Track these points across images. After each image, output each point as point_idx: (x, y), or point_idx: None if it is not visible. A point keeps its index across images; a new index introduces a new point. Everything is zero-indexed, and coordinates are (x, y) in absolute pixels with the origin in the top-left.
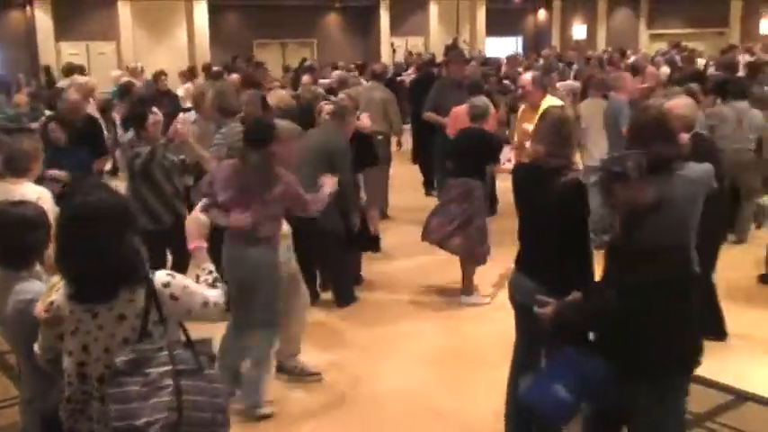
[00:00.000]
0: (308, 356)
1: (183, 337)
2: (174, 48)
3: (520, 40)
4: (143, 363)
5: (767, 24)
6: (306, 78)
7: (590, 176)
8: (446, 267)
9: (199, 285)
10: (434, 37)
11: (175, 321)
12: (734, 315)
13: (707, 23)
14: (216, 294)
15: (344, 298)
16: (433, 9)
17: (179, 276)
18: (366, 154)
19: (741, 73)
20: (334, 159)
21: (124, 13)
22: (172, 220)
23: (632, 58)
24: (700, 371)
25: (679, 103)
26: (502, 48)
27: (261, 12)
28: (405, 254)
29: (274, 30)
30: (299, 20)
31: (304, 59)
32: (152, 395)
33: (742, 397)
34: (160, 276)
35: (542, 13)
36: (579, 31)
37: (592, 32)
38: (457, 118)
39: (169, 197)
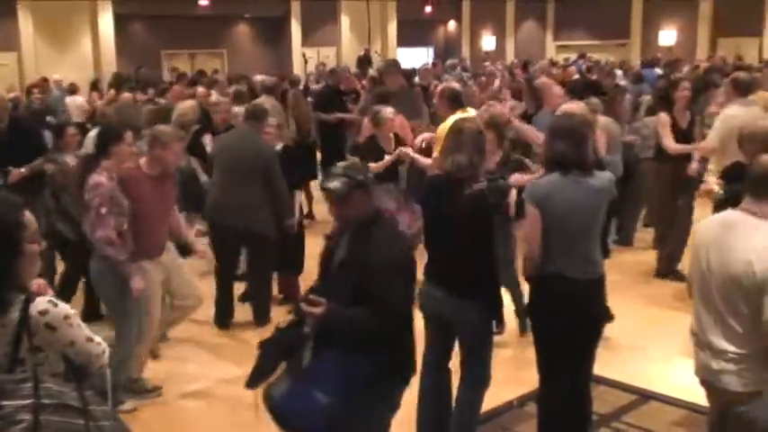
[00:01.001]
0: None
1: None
2: (79, 59)
3: (431, 50)
4: (0, 394)
5: (665, 36)
6: (201, 90)
7: None
8: None
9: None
10: (346, 48)
11: (57, 352)
12: (632, 316)
13: (609, 35)
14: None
15: (259, 316)
16: (345, 20)
17: (63, 306)
18: (310, 165)
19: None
20: (268, 167)
21: (25, 22)
22: None
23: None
24: (604, 372)
25: (575, 108)
26: (413, 58)
27: (169, 22)
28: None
29: (183, 40)
30: (209, 30)
31: (215, 71)
32: (3, 430)
33: (645, 396)
34: (38, 303)
35: (452, 25)
36: (488, 42)
37: (501, 43)
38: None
39: None
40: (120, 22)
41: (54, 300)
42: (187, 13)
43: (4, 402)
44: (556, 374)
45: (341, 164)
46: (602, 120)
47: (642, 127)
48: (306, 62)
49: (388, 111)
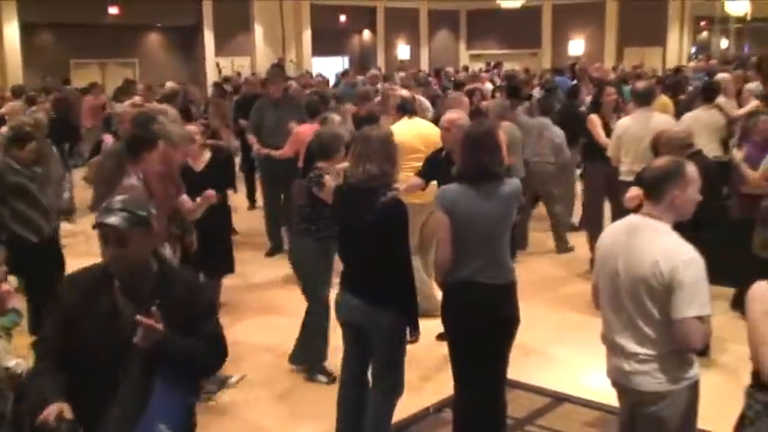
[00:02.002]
0: None
1: None
2: None
3: (346, 59)
4: None
5: (574, 46)
6: (137, 98)
7: None
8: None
9: (2, 342)
10: (260, 57)
11: None
12: (548, 318)
13: (521, 44)
14: (19, 363)
15: None
16: (258, 29)
17: None
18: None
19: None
20: None
21: None
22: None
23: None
24: (519, 376)
25: (455, 116)
26: (329, 67)
27: (78, 31)
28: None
29: (93, 49)
30: (119, 39)
31: (126, 80)
32: None
33: (558, 399)
34: None
35: (367, 34)
36: (403, 51)
37: (415, 52)
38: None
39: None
40: (27, 30)
41: None
42: (97, 21)
43: None
44: (470, 380)
45: (119, 197)
46: (505, 124)
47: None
48: (220, 72)
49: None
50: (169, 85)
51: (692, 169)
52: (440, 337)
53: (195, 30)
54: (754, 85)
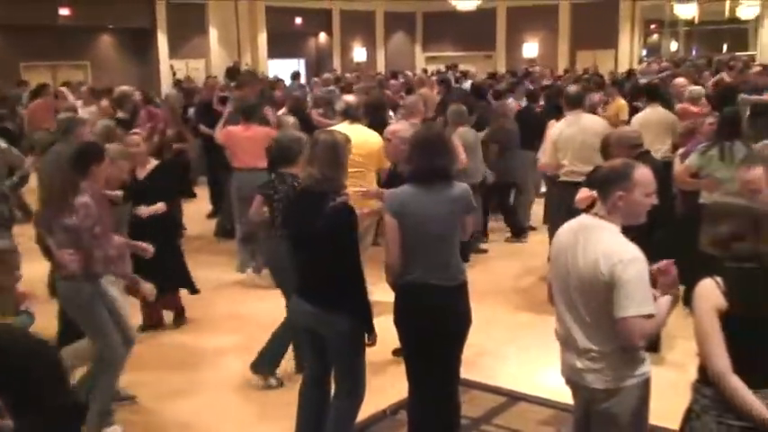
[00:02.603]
0: None
1: None
2: None
3: (302, 62)
4: None
5: (528, 48)
6: (104, 104)
7: None
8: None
9: None
10: (215, 60)
11: None
12: (504, 318)
13: (476, 47)
14: None
15: None
16: (213, 32)
17: None
18: (170, 184)
19: None
20: None
21: None
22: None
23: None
24: (475, 376)
25: (401, 128)
26: (285, 70)
27: (28, 32)
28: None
29: (43, 52)
30: (71, 41)
31: (80, 83)
32: None
33: (514, 398)
34: None
35: (323, 37)
36: (359, 53)
37: (372, 55)
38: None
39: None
40: None
41: None
42: (47, 23)
43: None
44: (423, 381)
45: None
46: (460, 129)
47: None
48: (174, 74)
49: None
50: (121, 88)
51: (642, 172)
52: (396, 352)
53: (148, 32)
54: (696, 89)
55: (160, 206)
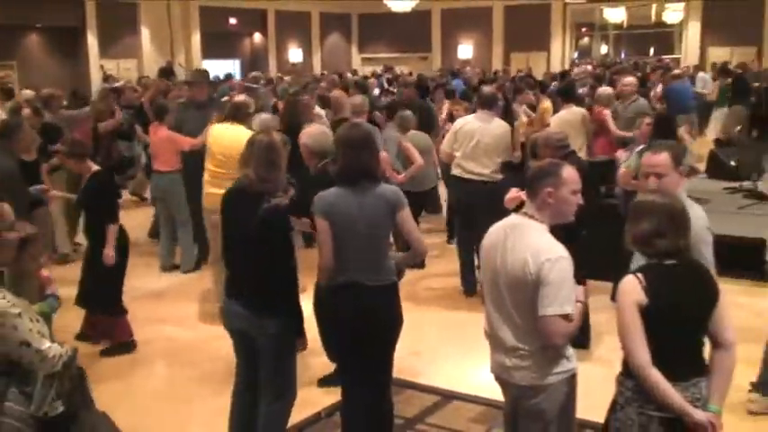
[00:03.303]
0: None
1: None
2: None
3: (238, 63)
4: None
5: (463, 50)
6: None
7: None
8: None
9: (38, 325)
10: (148, 59)
11: None
12: (439, 319)
13: (412, 48)
14: (53, 348)
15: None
16: (145, 32)
17: (4, 302)
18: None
19: None
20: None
21: None
22: None
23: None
24: (409, 376)
25: (308, 131)
26: (220, 70)
27: None
28: None
29: None
30: None
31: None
32: None
33: (447, 397)
34: None
35: (258, 37)
36: (295, 54)
37: (308, 56)
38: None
39: None
40: None
41: (2, 295)
42: None
43: None
44: (355, 382)
45: None
46: (410, 133)
47: None
48: (104, 74)
49: None
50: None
51: (569, 170)
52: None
53: (78, 31)
54: (606, 90)
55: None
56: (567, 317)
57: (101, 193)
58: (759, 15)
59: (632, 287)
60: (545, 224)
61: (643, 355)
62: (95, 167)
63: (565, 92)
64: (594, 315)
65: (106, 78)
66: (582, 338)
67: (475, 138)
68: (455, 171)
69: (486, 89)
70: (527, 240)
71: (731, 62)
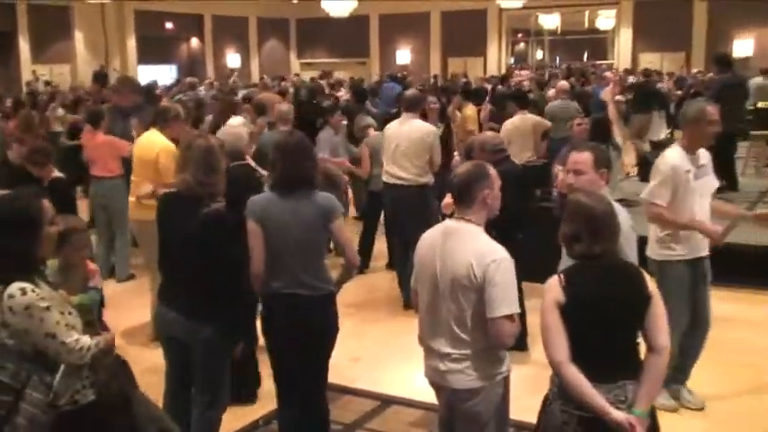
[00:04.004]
0: None
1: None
2: None
3: (174, 68)
4: None
5: (402, 55)
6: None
7: None
8: None
9: (69, 318)
10: (81, 65)
11: (20, 333)
12: (378, 325)
13: (351, 53)
14: (81, 340)
15: None
16: (79, 36)
17: (32, 296)
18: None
19: None
20: None
21: None
22: None
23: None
24: (348, 382)
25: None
26: (156, 75)
27: None
28: None
29: None
30: None
31: None
32: None
33: (385, 402)
34: (13, 286)
35: (195, 42)
36: (233, 59)
37: (246, 61)
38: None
39: None
40: None
41: (30, 287)
42: None
43: None
44: (290, 389)
45: None
46: (375, 135)
47: None
48: (37, 80)
49: None
50: None
51: (493, 169)
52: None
53: (9, 35)
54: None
55: None
56: (513, 317)
57: (59, 199)
58: (688, 23)
59: (553, 286)
60: (481, 226)
61: (560, 352)
62: (56, 174)
63: (520, 98)
64: (531, 317)
65: (29, 85)
66: (519, 341)
67: (395, 142)
68: (383, 177)
69: (410, 92)
70: (468, 244)
71: (662, 67)
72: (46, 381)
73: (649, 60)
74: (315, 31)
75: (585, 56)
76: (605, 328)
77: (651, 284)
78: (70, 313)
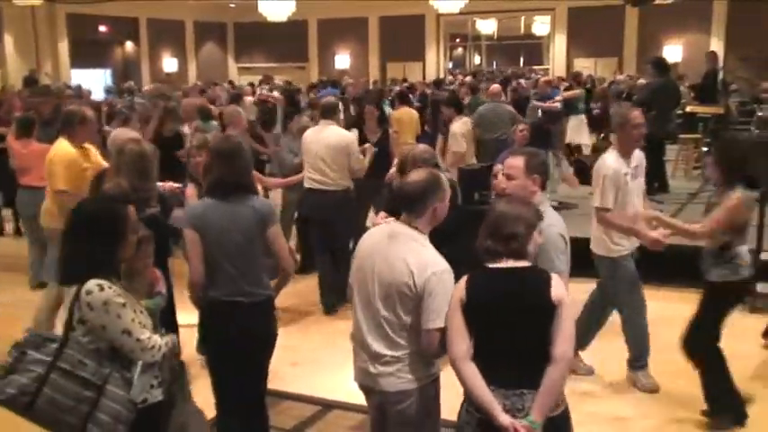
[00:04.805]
0: None
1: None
2: None
3: (108, 72)
4: (29, 344)
5: (340, 60)
6: None
7: None
8: None
9: (141, 317)
10: (12, 68)
11: (97, 329)
12: (317, 331)
13: (290, 58)
14: (153, 338)
15: None
16: (8, 39)
17: (108, 292)
18: None
19: None
20: None
21: None
22: None
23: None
24: (288, 387)
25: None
26: (90, 80)
27: None
28: None
29: None
30: None
31: None
32: (18, 372)
33: (326, 406)
34: (91, 282)
35: (130, 45)
36: (170, 64)
37: (183, 65)
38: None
39: None
40: None
41: (107, 284)
42: None
43: (30, 352)
44: (230, 398)
45: None
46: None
47: None
48: None
49: None
50: None
51: (445, 179)
52: None
53: None
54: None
55: None
56: (443, 329)
57: None
58: (619, 29)
59: (460, 285)
60: (425, 234)
61: (457, 348)
62: None
63: (455, 103)
64: None
65: None
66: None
67: (315, 149)
68: (305, 183)
69: (328, 99)
70: (411, 252)
71: (595, 72)
72: (126, 377)
73: (583, 65)
74: (253, 36)
75: (522, 61)
76: (505, 330)
77: (559, 293)
78: (142, 312)
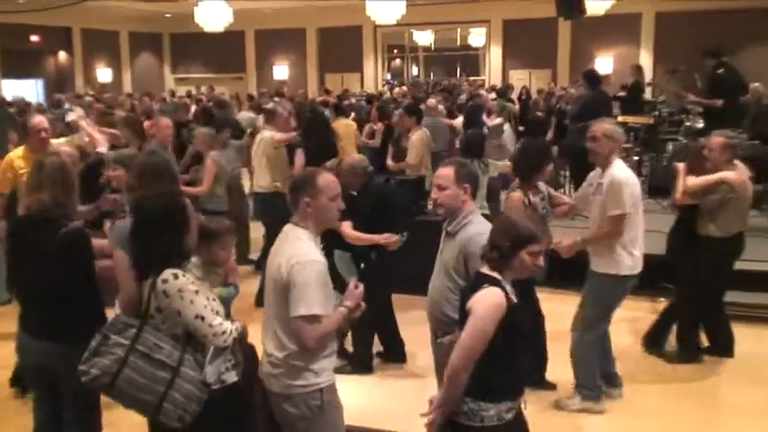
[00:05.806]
0: None
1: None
2: None
3: (41, 82)
4: (111, 329)
5: (278, 71)
6: None
7: None
8: None
9: (213, 304)
10: None
11: (173, 315)
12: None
13: (227, 69)
14: (224, 324)
15: None
16: None
17: (184, 280)
18: None
19: None
20: None
21: None
22: None
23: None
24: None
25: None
26: (22, 90)
27: None
28: None
29: None
30: None
31: None
32: (101, 354)
33: None
34: (167, 272)
35: (63, 55)
36: (104, 74)
37: (117, 76)
38: None
39: None
40: None
41: (181, 273)
42: None
43: (112, 336)
44: None
45: None
46: (212, 152)
47: None
48: None
49: None
50: None
51: (325, 178)
52: None
53: None
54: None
55: None
56: (315, 318)
57: None
58: (553, 41)
59: None
60: (309, 230)
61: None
62: None
63: (414, 112)
64: (408, 329)
65: None
66: (397, 353)
67: (258, 155)
68: (255, 189)
69: (269, 106)
70: (286, 246)
71: (530, 83)
72: (199, 359)
73: (519, 77)
74: (189, 46)
75: (459, 72)
76: None
77: (473, 302)
78: (214, 300)
